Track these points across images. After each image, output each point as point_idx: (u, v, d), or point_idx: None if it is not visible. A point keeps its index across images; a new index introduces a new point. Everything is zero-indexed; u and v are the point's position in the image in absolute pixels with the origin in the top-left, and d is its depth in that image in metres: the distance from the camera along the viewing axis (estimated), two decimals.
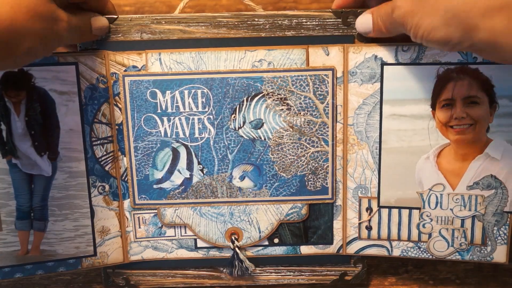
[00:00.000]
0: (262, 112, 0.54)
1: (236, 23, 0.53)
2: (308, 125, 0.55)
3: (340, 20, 0.53)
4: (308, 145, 0.55)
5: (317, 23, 0.53)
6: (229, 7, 0.64)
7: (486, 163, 0.53)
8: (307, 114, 0.54)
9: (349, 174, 0.56)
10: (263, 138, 0.55)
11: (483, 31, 0.40)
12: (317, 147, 0.55)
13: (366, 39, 0.53)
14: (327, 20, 0.53)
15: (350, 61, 0.53)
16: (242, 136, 0.55)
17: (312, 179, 0.56)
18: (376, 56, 0.53)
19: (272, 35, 0.53)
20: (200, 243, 0.58)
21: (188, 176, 0.56)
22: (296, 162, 0.56)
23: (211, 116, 0.54)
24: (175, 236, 0.58)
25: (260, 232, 0.57)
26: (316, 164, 0.56)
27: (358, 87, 0.54)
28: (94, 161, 0.55)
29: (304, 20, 0.53)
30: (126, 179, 0.56)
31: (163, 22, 0.53)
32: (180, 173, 0.56)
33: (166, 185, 0.56)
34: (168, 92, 0.54)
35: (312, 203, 0.57)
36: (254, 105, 0.54)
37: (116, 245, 0.58)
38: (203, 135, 0.55)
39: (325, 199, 0.57)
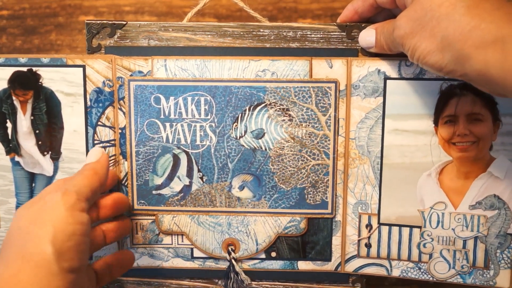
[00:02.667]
0: (264, 122, 0.54)
1: (241, 33, 0.54)
2: (309, 137, 0.54)
3: (345, 33, 0.54)
4: (308, 157, 0.55)
5: (321, 35, 0.54)
6: (229, 7, 0.65)
7: (489, 182, 0.52)
8: (308, 126, 0.54)
9: (350, 189, 0.55)
10: (264, 148, 0.55)
11: (476, 62, 0.41)
12: (318, 160, 0.55)
13: (370, 53, 0.53)
14: (332, 33, 0.54)
15: (353, 74, 0.53)
16: (243, 145, 0.55)
17: (311, 193, 0.55)
18: (379, 70, 0.53)
19: (277, 46, 0.54)
20: (196, 253, 0.58)
21: (187, 183, 0.56)
22: (296, 174, 0.55)
23: (213, 124, 0.55)
24: (172, 244, 0.58)
25: (257, 245, 0.57)
26: (316, 177, 0.55)
27: (360, 100, 0.54)
28: None
29: (309, 33, 0.54)
30: (126, 184, 0.56)
31: (171, 30, 0.54)
32: (180, 180, 0.56)
33: (165, 191, 0.56)
34: (172, 98, 0.54)
35: (311, 217, 0.56)
36: (256, 114, 0.54)
37: (112, 250, 0.57)
38: (204, 143, 0.55)
39: (325, 214, 0.56)
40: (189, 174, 0.56)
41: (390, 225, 0.55)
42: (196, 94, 0.54)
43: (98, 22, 0.54)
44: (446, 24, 0.42)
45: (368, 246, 0.56)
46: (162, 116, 0.55)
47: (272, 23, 0.54)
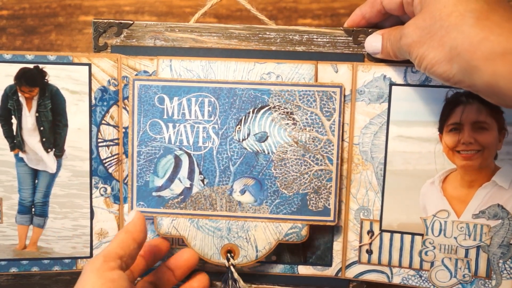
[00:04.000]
0: (268, 125, 0.54)
1: (247, 35, 0.54)
2: (313, 141, 0.54)
3: (351, 38, 0.53)
4: (312, 163, 0.54)
5: (327, 40, 0.54)
6: (229, 7, 0.65)
7: (493, 192, 0.51)
8: (312, 130, 0.54)
9: (352, 194, 0.55)
10: (266, 152, 0.55)
11: (485, 74, 0.41)
12: (321, 165, 0.54)
13: (376, 58, 0.53)
14: (338, 38, 0.53)
15: (359, 79, 0.53)
16: (245, 148, 0.55)
17: (314, 199, 0.55)
18: (385, 76, 0.53)
19: (282, 49, 0.54)
20: None
21: (188, 185, 0.55)
22: (298, 179, 0.55)
23: (216, 126, 0.54)
24: (172, 245, 0.58)
25: (257, 251, 0.56)
26: (319, 183, 0.55)
27: (365, 106, 0.53)
28: (98, 162, 0.56)
29: (315, 36, 0.54)
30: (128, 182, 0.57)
31: (177, 30, 0.54)
32: (181, 182, 0.55)
33: (165, 193, 0.56)
34: (175, 98, 0.54)
35: (313, 224, 0.55)
36: (260, 117, 0.54)
37: None
38: (206, 144, 0.55)
39: (327, 221, 0.55)
40: (190, 176, 0.55)
41: (392, 232, 0.55)
42: (200, 95, 0.54)
43: (105, 21, 0.55)
44: (455, 35, 0.42)
45: (369, 252, 0.56)
46: (165, 117, 0.55)
47: (278, 26, 0.54)
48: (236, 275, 0.56)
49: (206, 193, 0.55)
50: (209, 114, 0.54)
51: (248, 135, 0.54)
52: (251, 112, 0.54)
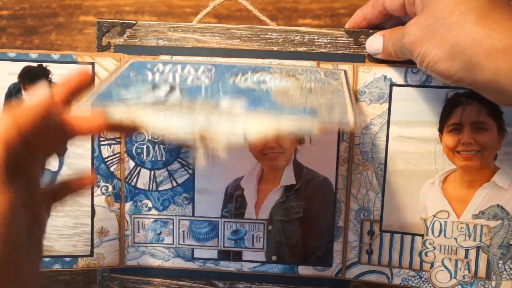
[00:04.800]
0: (267, 79, 0.47)
1: (249, 35, 0.55)
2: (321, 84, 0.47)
3: (352, 39, 0.54)
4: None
5: (328, 40, 0.54)
6: (229, 7, 0.66)
7: (493, 192, 0.52)
8: (318, 84, 0.47)
9: (352, 194, 0.55)
10: (265, 90, 0.45)
11: (486, 71, 0.41)
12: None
13: (377, 59, 0.53)
14: (339, 39, 0.54)
15: (360, 80, 0.54)
16: (240, 87, 0.46)
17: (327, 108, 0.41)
18: (385, 77, 0.53)
19: (284, 50, 0.54)
20: (197, 254, 0.58)
21: (162, 99, 0.42)
22: (305, 97, 0.44)
23: (209, 76, 0.47)
24: (173, 244, 0.58)
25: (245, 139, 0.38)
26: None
27: (366, 106, 0.54)
28: (100, 160, 0.56)
29: (316, 37, 0.54)
30: (130, 182, 0.57)
31: (179, 30, 0.55)
32: (153, 92, 0.43)
33: (130, 98, 0.42)
34: (169, 64, 0.49)
35: (327, 126, 0.38)
36: (258, 75, 0.48)
37: (114, 248, 0.58)
38: (195, 83, 0.46)
39: (344, 124, 0.38)
40: (167, 96, 0.43)
41: (392, 232, 0.55)
42: (196, 64, 0.50)
43: (109, 20, 0.55)
44: (456, 32, 0.42)
45: (370, 253, 0.56)
46: (153, 74, 0.47)
47: (280, 27, 0.55)
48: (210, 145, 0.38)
49: (184, 104, 0.42)
50: (203, 73, 0.48)
51: (244, 81, 0.47)
52: (249, 72, 0.48)
